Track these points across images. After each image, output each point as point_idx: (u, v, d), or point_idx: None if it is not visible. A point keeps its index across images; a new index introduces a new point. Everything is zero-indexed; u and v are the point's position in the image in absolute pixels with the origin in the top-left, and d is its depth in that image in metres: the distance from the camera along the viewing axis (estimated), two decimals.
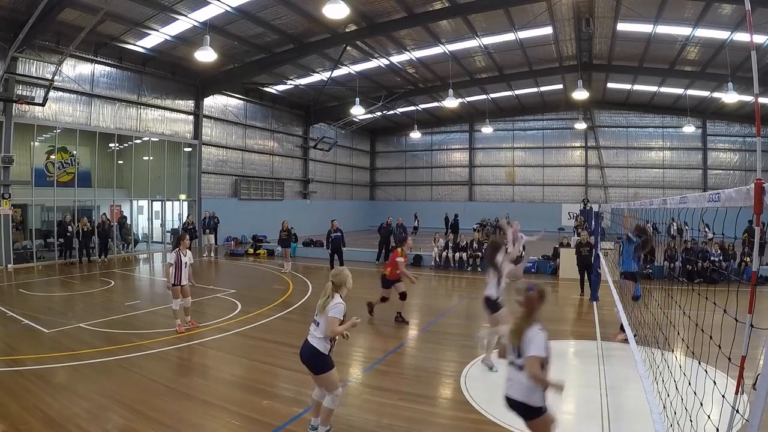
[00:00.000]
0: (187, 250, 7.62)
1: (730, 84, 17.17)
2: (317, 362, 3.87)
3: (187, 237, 7.91)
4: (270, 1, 14.14)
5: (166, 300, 10.29)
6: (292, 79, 22.28)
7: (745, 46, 15.61)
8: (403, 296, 8.42)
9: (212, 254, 17.59)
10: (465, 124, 32.74)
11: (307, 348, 3.91)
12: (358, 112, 22.26)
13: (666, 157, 28.62)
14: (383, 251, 16.02)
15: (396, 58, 19.92)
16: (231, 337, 7.38)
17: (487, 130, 28.33)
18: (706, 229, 15.05)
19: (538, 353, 2.96)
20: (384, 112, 27.37)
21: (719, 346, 2.60)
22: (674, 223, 20.85)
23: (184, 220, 18.65)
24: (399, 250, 8.54)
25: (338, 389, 3.97)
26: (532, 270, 14.58)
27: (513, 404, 3.10)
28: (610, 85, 24.58)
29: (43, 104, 14.29)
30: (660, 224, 11.43)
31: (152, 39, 16.34)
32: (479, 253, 15.03)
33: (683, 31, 15.81)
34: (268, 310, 9.18)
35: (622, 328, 6.31)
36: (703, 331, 2.91)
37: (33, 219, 16.00)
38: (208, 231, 17.82)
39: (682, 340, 4.82)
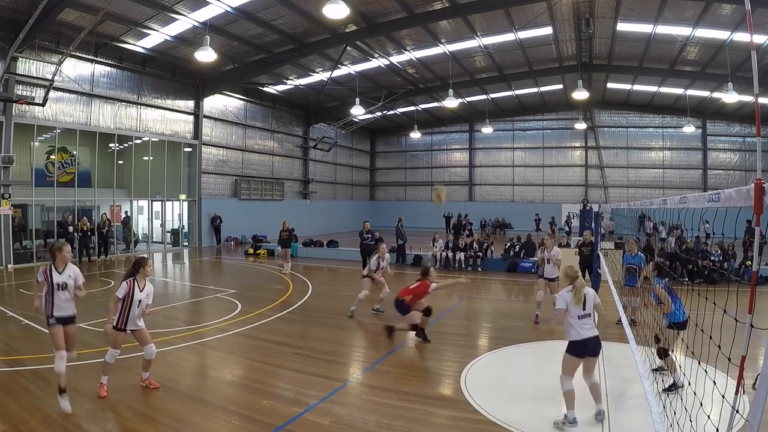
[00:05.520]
0: (145, 280, 5.04)
1: (730, 84, 17.17)
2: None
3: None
4: (270, 1, 14.14)
5: (166, 300, 10.33)
6: (292, 79, 22.28)
7: (745, 46, 15.61)
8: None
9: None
10: (465, 124, 32.75)
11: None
12: (358, 112, 22.25)
13: (666, 157, 28.62)
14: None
15: (396, 58, 19.91)
16: (231, 337, 7.38)
17: (487, 130, 28.33)
18: (706, 224, 15.04)
19: None
20: (384, 112, 27.36)
21: (719, 347, 2.60)
22: (650, 223, 20.89)
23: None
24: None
25: None
26: (532, 270, 14.57)
27: None
28: (610, 85, 24.57)
29: (43, 104, 14.29)
30: (660, 225, 11.43)
31: (152, 39, 16.34)
32: (480, 254, 15.10)
33: (683, 31, 15.81)
34: (268, 310, 9.18)
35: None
36: (703, 331, 2.90)
37: (33, 219, 15.99)
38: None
39: (682, 340, 4.83)
